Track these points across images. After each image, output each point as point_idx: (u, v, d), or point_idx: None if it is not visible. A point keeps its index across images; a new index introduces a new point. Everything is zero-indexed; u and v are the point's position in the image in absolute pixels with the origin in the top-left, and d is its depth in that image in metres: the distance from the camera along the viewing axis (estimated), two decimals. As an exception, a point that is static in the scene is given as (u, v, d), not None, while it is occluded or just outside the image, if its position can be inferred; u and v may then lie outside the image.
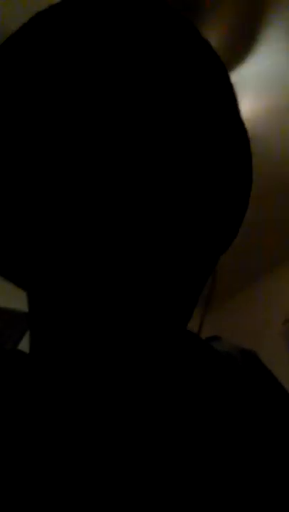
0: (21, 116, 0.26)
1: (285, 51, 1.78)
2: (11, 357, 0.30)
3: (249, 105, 1.93)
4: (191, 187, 0.26)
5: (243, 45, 1.75)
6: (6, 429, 0.25)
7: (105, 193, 0.24)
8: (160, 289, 0.25)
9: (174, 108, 0.26)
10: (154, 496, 0.24)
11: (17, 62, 0.27)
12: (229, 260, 2.72)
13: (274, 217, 2.52)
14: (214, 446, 0.27)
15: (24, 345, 2.30)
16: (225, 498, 0.25)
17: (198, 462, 0.26)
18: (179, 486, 0.25)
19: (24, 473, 0.24)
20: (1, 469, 0.24)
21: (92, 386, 0.26)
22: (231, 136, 0.30)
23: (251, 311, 2.92)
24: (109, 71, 0.26)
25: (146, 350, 0.26)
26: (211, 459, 0.26)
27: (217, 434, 0.28)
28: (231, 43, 1.73)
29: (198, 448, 0.27)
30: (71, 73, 0.26)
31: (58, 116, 0.25)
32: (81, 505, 0.23)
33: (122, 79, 0.26)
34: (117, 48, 0.26)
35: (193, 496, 0.25)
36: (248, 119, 1.94)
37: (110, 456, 0.25)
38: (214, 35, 1.70)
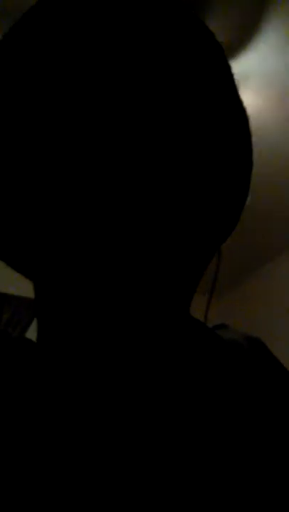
0: (21, 109, 0.26)
1: (283, 48, 1.78)
2: (19, 345, 0.31)
3: (248, 101, 1.92)
4: (190, 171, 0.26)
5: (242, 40, 1.74)
6: (11, 418, 0.26)
7: (106, 180, 0.24)
8: (161, 274, 0.26)
9: (174, 95, 0.26)
10: (155, 489, 0.24)
11: (14, 56, 0.27)
12: (236, 248, 2.72)
13: (277, 206, 2.51)
14: (216, 435, 0.27)
15: (32, 331, 2.32)
16: (226, 490, 0.25)
17: (199, 452, 0.26)
18: (180, 476, 0.25)
19: (26, 464, 0.24)
20: (2, 459, 0.24)
21: (98, 373, 0.26)
22: (231, 123, 0.30)
23: (256, 299, 2.93)
24: (109, 58, 0.26)
25: (150, 337, 0.27)
26: (213, 449, 0.26)
27: (220, 423, 0.28)
28: (231, 38, 1.72)
29: (199, 437, 0.27)
30: (69, 63, 0.26)
31: (56, 105, 0.25)
32: (82, 498, 0.23)
33: (122, 63, 0.25)
34: (117, 33, 0.26)
35: (195, 487, 0.25)
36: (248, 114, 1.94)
37: (115, 445, 0.25)
38: (214, 31, 1.68)
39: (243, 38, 1.74)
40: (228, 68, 0.31)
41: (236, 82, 0.32)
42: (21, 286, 2.22)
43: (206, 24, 0.30)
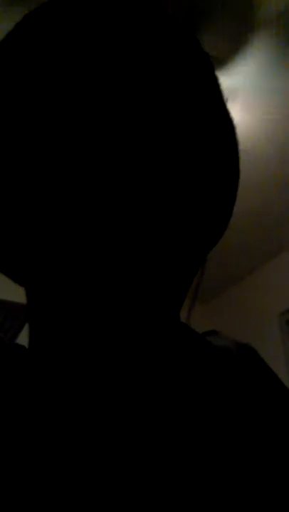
0: (16, 112, 0.27)
1: (270, 64, 1.80)
2: (11, 351, 0.31)
3: (236, 115, 1.94)
4: (180, 181, 0.27)
5: (232, 56, 1.77)
6: (5, 425, 0.26)
7: (100, 188, 0.25)
8: (153, 282, 0.26)
9: (163, 105, 0.27)
10: (153, 488, 0.24)
11: (10, 61, 0.28)
12: (224, 253, 2.73)
13: (266, 214, 2.53)
14: (208, 435, 0.27)
15: (24, 336, 2.31)
16: (223, 489, 0.25)
17: (191, 450, 0.26)
18: (176, 475, 0.25)
19: (23, 470, 0.24)
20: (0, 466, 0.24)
21: (91, 378, 0.26)
22: (219, 135, 0.30)
23: (247, 304, 2.93)
24: (103, 69, 0.26)
25: (141, 343, 0.27)
26: (205, 448, 0.27)
27: (211, 422, 0.28)
28: (221, 53, 1.74)
29: (191, 436, 0.27)
30: (64, 73, 0.26)
31: (53, 111, 0.26)
32: (81, 496, 0.24)
33: (115, 77, 0.26)
34: (112, 47, 0.27)
35: (191, 485, 0.25)
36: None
37: (109, 448, 0.25)
38: (205, 45, 1.71)
39: (233, 53, 1.77)
40: (216, 81, 0.32)
41: (225, 96, 0.32)
42: (13, 291, 2.21)
43: (197, 39, 0.31)
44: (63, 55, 0.26)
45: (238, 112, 1.98)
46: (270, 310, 2.75)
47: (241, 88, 1.89)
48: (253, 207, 2.48)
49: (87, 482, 0.24)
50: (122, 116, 0.25)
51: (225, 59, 1.77)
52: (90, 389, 0.27)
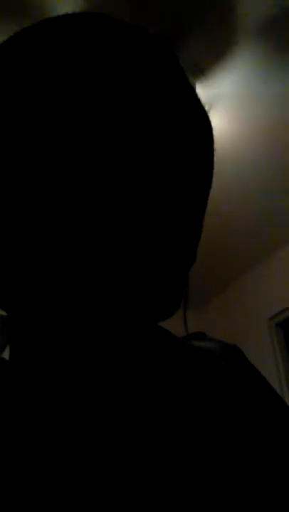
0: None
1: (252, 73, 1.85)
2: None
3: (218, 122, 1.98)
4: (156, 191, 0.28)
5: (214, 64, 1.80)
6: None
7: (82, 195, 0.26)
8: (126, 302, 0.27)
9: (142, 119, 0.28)
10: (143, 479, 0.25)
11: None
12: (213, 259, 2.75)
13: (251, 220, 2.56)
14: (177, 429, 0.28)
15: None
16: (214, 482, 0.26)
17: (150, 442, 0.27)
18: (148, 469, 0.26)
19: (19, 474, 0.24)
20: None
21: (73, 393, 0.27)
22: (196, 141, 0.32)
23: (237, 309, 2.95)
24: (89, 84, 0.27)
25: (120, 351, 0.28)
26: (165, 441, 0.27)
27: (179, 417, 0.29)
28: (204, 62, 1.78)
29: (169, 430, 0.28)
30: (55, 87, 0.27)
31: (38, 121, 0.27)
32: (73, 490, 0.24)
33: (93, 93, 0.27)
34: (94, 60, 0.28)
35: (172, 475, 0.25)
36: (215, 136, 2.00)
37: (100, 451, 0.26)
38: (186, 55, 1.74)
39: (215, 62, 1.80)
40: (196, 98, 0.33)
41: (206, 106, 0.34)
42: None
43: (171, 51, 0.32)
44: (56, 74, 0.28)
45: (220, 119, 2.01)
46: (260, 315, 2.78)
47: (223, 96, 1.92)
48: (241, 212, 2.51)
49: (78, 473, 0.25)
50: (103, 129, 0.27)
51: (207, 68, 1.80)
52: (70, 402, 0.27)
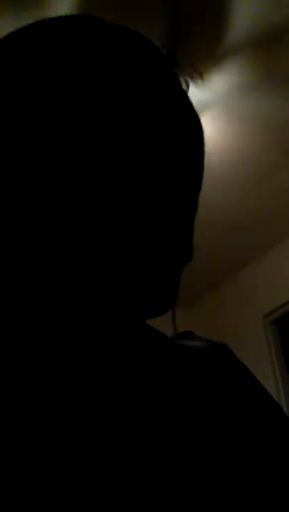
0: None
1: (242, 81, 1.86)
2: None
3: (206, 128, 1.99)
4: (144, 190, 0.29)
5: (204, 70, 1.81)
6: None
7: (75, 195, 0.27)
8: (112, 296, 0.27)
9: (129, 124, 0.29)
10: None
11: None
12: (207, 257, 2.75)
13: (243, 221, 2.57)
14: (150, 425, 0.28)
15: None
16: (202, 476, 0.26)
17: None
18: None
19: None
20: None
21: (60, 388, 0.27)
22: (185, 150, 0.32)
23: (230, 307, 2.94)
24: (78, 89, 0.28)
25: (112, 347, 0.28)
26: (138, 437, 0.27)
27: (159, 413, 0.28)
28: (194, 68, 1.78)
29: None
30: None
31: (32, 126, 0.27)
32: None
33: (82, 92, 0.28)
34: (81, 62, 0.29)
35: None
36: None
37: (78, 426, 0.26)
38: (183, 57, 1.75)
39: (212, 64, 1.81)
40: (188, 102, 0.33)
41: (198, 111, 0.35)
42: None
43: (162, 55, 0.33)
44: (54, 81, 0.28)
45: (215, 121, 2.02)
46: (255, 312, 2.77)
47: (219, 98, 1.93)
48: (235, 209, 2.52)
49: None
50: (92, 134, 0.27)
51: (204, 71, 1.80)
52: (57, 393, 0.27)
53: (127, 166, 0.28)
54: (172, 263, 0.31)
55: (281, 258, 2.74)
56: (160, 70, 0.32)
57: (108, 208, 0.27)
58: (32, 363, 0.27)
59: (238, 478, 0.27)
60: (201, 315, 3.09)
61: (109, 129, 0.28)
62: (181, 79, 0.34)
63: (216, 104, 1.95)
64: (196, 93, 1.82)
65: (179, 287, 0.33)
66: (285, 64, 1.84)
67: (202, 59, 1.78)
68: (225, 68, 1.84)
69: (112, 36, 0.31)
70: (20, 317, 0.28)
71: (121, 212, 0.27)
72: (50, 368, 0.27)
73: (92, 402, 0.27)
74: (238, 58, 1.82)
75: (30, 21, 0.31)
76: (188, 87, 0.35)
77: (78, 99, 0.28)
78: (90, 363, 0.28)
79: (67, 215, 0.26)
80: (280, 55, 1.82)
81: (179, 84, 0.34)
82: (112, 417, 0.27)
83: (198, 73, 1.74)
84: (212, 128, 2.02)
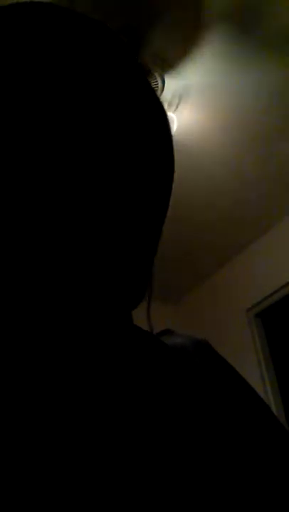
0: None
1: (220, 63, 1.86)
2: None
3: (188, 115, 2.00)
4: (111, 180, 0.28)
5: (182, 56, 1.81)
6: None
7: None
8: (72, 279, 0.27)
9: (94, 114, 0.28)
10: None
11: None
12: (190, 252, 2.77)
13: (223, 215, 2.59)
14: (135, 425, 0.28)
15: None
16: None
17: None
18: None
19: None
20: None
21: (34, 385, 0.26)
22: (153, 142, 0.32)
23: (214, 302, 2.98)
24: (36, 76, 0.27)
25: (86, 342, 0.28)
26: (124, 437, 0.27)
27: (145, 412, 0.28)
28: (172, 55, 1.78)
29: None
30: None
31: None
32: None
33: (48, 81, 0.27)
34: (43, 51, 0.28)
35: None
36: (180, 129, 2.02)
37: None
38: (153, 47, 1.75)
39: (183, 53, 1.80)
40: (147, 89, 0.33)
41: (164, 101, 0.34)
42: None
43: (124, 43, 0.32)
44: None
45: (189, 111, 2.02)
46: (238, 305, 2.81)
47: (191, 88, 1.92)
48: (217, 202, 2.53)
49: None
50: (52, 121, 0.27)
51: (174, 60, 1.80)
52: (30, 389, 0.27)
53: (88, 162, 0.27)
54: (140, 256, 0.31)
55: (264, 252, 2.76)
56: (124, 65, 0.31)
57: (70, 199, 0.26)
58: (29, 362, 0.27)
59: (232, 476, 0.28)
60: (185, 310, 3.12)
61: (64, 122, 0.27)
62: (155, 73, 0.34)
63: (192, 92, 1.94)
64: (171, 84, 1.82)
65: (152, 281, 0.33)
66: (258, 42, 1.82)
67: (173, 47, 1.77)
68: (198, 56, 1.83)
69: (75, 26, 0.30)
70: (9, 315, 0.27)
71: (84, 203, 0.27)
72: (47, 367, 0.27)
73: (88, 403, 0.27)
74: (211, 45, 1.81)
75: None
76: (163, 82, 0.35)
77: (32, 88, 0.27)
78: (84, 362, 0.28)
79: (31, 206, 0.26)
80: (253, 35, 1.80)
81: (145, 78, 0.33)
82: (108, 417, 0.27)
83: (169, 63, 1.76)
84: (190, 117, 2.01)
